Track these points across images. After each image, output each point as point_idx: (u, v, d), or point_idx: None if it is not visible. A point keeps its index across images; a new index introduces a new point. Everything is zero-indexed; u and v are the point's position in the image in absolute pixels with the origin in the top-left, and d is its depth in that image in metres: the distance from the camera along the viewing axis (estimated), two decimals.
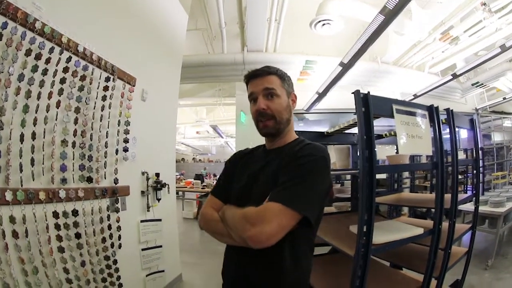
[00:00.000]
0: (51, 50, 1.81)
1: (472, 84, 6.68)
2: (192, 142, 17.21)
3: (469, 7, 4.09)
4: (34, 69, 1.71)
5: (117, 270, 2.34)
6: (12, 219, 1.58)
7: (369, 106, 1.59)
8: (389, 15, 2.52)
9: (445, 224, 1.92)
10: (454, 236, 1.99)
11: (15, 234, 1.59)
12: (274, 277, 1.08)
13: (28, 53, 1.67)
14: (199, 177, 10.78)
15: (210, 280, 3.56)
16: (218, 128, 11.71)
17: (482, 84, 6.55)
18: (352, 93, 1.63)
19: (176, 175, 13.20)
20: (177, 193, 9.74)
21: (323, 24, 4.13)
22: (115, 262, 2.33)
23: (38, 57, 1.72)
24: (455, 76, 5.19)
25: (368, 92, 1.63)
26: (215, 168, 17.97)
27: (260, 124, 1.19)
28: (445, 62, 5.98)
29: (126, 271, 2.49)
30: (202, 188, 8.60)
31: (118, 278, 2.36)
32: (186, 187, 8.88)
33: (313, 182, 1.03)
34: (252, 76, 1.22)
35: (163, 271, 3.07)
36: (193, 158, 21.08)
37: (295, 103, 1.28)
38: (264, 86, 1.18)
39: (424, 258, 1.85)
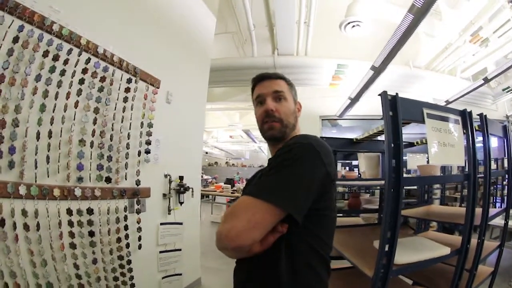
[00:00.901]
0: (69, 52, 1.86)
1: (503, 89, 6.28)
2: (226, 146, 17.34)
3: (497, 4, 3.86)
4: (52, 69, 1.76)
5: (130, 270, 2.35)
6: (24, 213, 1.62)
7: (397, 110, 1.45)
8: (418, 14, 2.36)
9: (473, 241, 1.73)
10: (481, 255, 1.79)
11: (26, 227, 1.64)
12: None
13: (45, 54, 1.72)
14: (229, 181, 10.82)
15: (230, 286, 3.48)
16: (250, 133, 11.72)
17: None
18: (379, 95, 1.49)
19: (209, 179, 13.41)
20: (207, 196, 9.91)
21: (353, 26, 3.99)
22: (129, 262, 2.34)
23: (55, 58, 1.77)
24: (486, 80, 4.85)
25: (397, 94, 1.49)
26: (249, 172, 18.00)
27: (265, 126, 1.14)
28: (476, 66, 5.69)
29: (141, 272, 2.50)
30: (232, 193, 8.60)
31: (131, 278, 2.36)
32: (215, 191, 8.91)
33: (295, 170, 0.89)
34: (261, 79, 1.22)
35: (180, 274, 3.05)
36: (226, 162, 21.28)
37: (300, 112, 1.24)
38: (274, 89, 1.16)
39: (448, 277, 1.67)
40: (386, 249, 1.37)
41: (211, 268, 4.01)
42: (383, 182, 2.14)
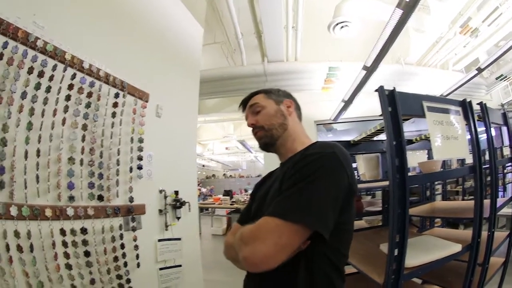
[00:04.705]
0: (54, 68, 1.82)
1: (496, 78, 6.40)
2: (222, 158, 17.31)
3: None
4: (37, 86, 1.71)
5: None
6: (16, 234, 1.56)
7: (396, 104, 1.42)
8: (407, 8, 2.35)
9: (483, 234, 1.69)
10: (493, 247, 1.75)
11: (19, 248, 1.57)
12: None
13: (30, 71, 1.67)
14: (228, 193, 10.75)
15: None
16: (246, 143, 11.71)
17: (506, 76, 6.28)
18: (376, 90, 1.45)
19: (206, 192, 13.36)
20: (206, 209, 9.84)
21: (342, 27, 4.03)
22: (128, 281, 2.26)
23: (40, 74, 1.73)
24: (479, 70, 4.93)
25: (394, 89, 1.45)
26: (246, 183, 17.93)
27: (256, 139, 1.19)
28: (468, 57, 5.77)
29: None
30: (231, 204, 8.53)
31: None
32: (214, 203, 8.84)
33: (320, 185, 0.85)
34: (243, 106, 1.30)
35: None
36: (224, 174, 21.19)
37: (291, 108, 1.23)
38: (249, 105, 1.24)
39: (459, 272, 1.62)
40: (396, 253, 1.32)
41: (215, 281, 3.93)
42: (386, 183, 2.09)
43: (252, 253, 0.79)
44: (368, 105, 5.44)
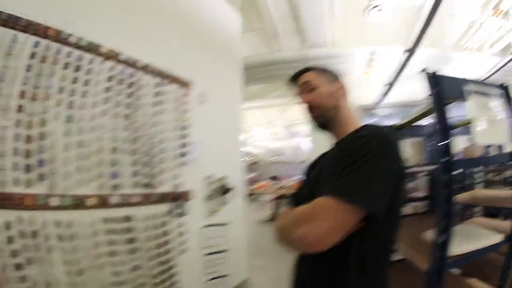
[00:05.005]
0: (91, 61, 1.87)
1: None
2: (266, 144, 17.39)
3: None
4: (74, 81, 1.78)
5: (173, 275, 2.33)
6: (57, 224, 1.64)
7: (440, 87, 1.39)
8: None
9: None
10: None
11: (61, 238, 1.66)
12: None
13: (65, 66, 1.74)
14: (274, 178, 10.78)
15: (280, 284, 3.40)
16: (291, 128, 11.65)
17: None
18: (422, 71, 1.45)
19: (252, 177, 13.50)
20: (251, 195, 9.93)
21: (378, 10, 3.88)
22: (172, 267, 2.33)
23: (77, 69, 1.79)
24: None
25: (437, 71, 1.46)
26: (291, 169, 17.86)
27: (311, 118, 1.18)
28: (502, 41, 5.58)
29: (185, 277, 2.47)
30: (276, 190, 8.53)
31: (175, 283, 2.34)
32: (260, 190, 8.90)
33: (374, 166, 0.86)
34: (291, 79, 1.29)
35: (227, 275, 3.01)
36: (268, 160, 21.27)
37: (343, 89, 1.24)
38: (301, 83, 1.22)
39: (496, 265, 1.55)
40: (442, 240, 1.28)
41: (260, 267, 3.95)
42: (430, 168, 2.04)
43: (307, 232, 0.80)
44: (406, 91, 5.37)
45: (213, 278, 2.89)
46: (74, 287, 1.69)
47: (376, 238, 0.93)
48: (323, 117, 1.15)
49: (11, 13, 1.52)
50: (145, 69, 2.27)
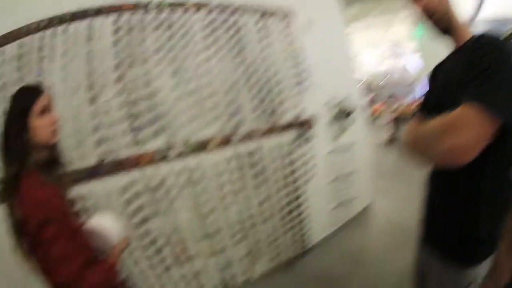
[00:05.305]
0: (181, 17, 1.91)
1: None
2: (373, 68, 16.34)
3: None
4: (170, 38, 1.86)
5: (300, 204, 2.42)
6: (180, 173, 1.80)
7: None
8: None
9: None
10: None
11: (184, 185, 1.82)
12: (468, 215, 0.91)
13: (156, 28, 1.82)
14: (390, 97, 10.06)
15: (402, 207, 3.26)
16: (398, 48, 10.65)
17: None
18: None
19: (370, 98, 12.86)
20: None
21: None
22: (299, 196, 2.41)
23: (169, 27, 1.86)
24: None
25: None
26: (403, 90, 16.39)
27: (431, 23, 1.08)
28: None
29: (312, 204, 2.55)
30: (392, 111, 7.95)
31: (302, 212, 2.44)
32: (375, 113, 8.46)
33: (506, 76, 0.79)
34: None
35: (353, 199, 3.03)
36: (377, 84, 19.88)
37: None
38: None
39: None
40: None
41: (383, 189, 3.83)
42: None
43: (455, 143, 0.77)
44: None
45: (339, 205, 2.92)
46: (201, 230, 1.89)
47: (509, 155, 0.89)
48: (444, 21, 1.05)
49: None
50: (241, 9, 2.23)
